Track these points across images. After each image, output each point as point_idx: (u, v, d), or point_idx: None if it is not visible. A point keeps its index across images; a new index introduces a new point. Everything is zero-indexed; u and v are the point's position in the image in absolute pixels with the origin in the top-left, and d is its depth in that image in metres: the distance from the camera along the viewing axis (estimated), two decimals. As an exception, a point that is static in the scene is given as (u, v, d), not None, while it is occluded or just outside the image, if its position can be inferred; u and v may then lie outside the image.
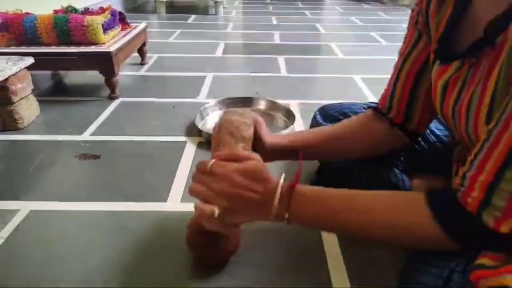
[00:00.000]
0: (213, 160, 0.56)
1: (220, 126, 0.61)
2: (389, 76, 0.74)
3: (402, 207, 0.50)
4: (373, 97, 1.53)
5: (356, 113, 0.89)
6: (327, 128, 0.80)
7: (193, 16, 3.36)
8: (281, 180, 0.54)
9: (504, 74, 0.45)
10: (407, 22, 0.70)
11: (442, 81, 0.57)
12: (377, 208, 0.52)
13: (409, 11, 0.69)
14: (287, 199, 0.53)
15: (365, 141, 0.75)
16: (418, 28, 0.65)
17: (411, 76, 0.68)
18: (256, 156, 0.57)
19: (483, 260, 0.44)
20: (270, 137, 0.72)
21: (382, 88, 0.76)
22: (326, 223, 0.56)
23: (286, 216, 0.54)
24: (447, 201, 0.47)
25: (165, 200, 0.92)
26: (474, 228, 0.44)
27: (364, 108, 0.89)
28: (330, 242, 0.78)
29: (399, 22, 3.22)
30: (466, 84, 0.52)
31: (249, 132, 0.59)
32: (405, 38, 0.70)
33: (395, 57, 0.73)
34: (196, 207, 0.56)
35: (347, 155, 0.79)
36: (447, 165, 0.69)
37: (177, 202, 0.91)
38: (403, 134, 0.72)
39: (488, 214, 0.42)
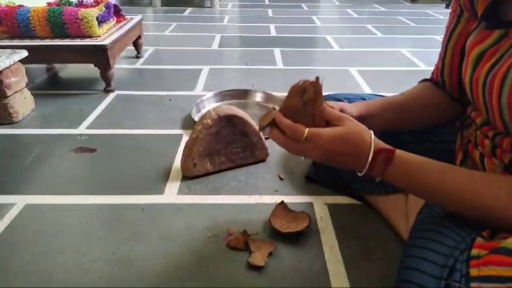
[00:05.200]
0: (307, 129, 0.57)
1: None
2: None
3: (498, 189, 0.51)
4: (369, 89, 1.53)
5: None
6: (391, 98, 0.80)
7: (189, 9, 3.33)
8: (372, 144, 0.56)
9: None
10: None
11: (477, 50, 0.58)
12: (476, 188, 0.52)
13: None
14: (382, 166, 0.55)
15: (428, 110, 0.77)
16: (460, 3, 0.67)
17: (457, 51, 0.71)
18: (347, 116, 0.59)
19: (477, 251, 0.46)
20: (352, 109, 0.73)
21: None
22: (419, 194, 0.58)
23: (379, 179, 0.57)
24: None
25: (162, 192, 0.92)
26: None
27: (375, 95, 0.91)
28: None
29: (395, 14, 3.20)
30: (504, 57, 0.52)
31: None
32: (450, 13, 0.72)
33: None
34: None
35: (408, 125, 0.80)
36: (446, 156, 0.69)
37: (174, 195, 0.91)
38: (460, 107, 0.75)
39: None
